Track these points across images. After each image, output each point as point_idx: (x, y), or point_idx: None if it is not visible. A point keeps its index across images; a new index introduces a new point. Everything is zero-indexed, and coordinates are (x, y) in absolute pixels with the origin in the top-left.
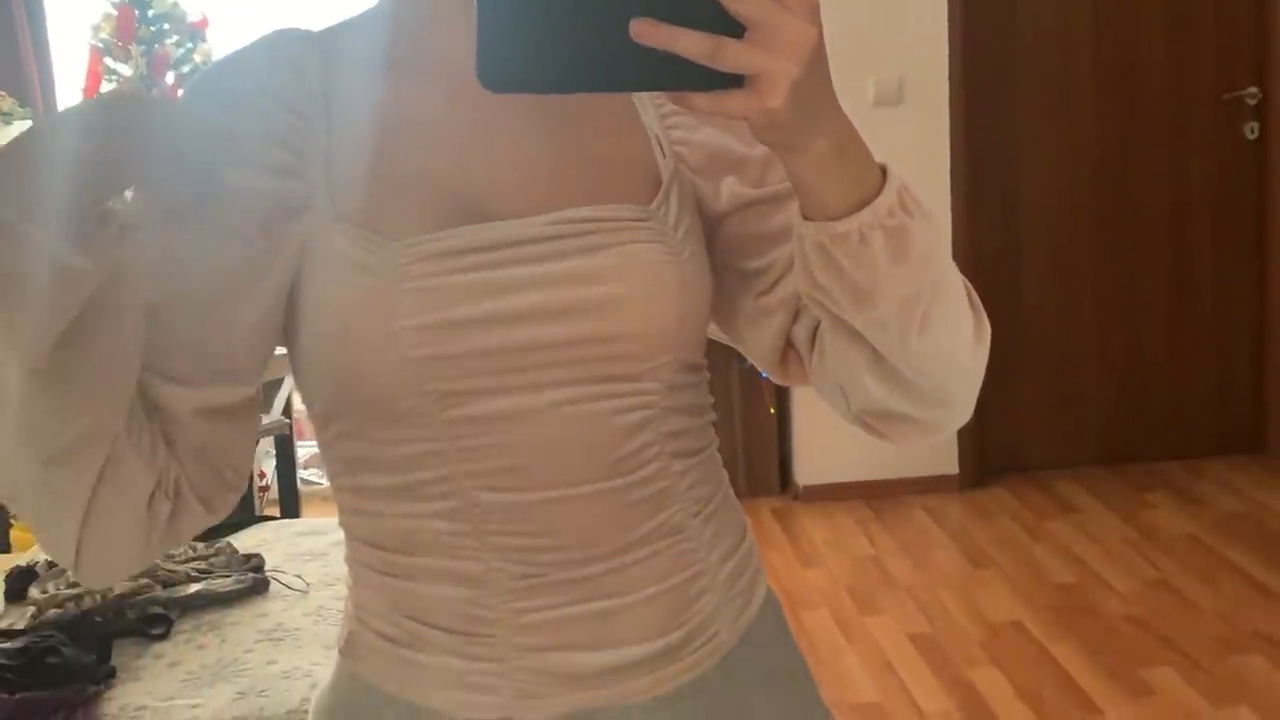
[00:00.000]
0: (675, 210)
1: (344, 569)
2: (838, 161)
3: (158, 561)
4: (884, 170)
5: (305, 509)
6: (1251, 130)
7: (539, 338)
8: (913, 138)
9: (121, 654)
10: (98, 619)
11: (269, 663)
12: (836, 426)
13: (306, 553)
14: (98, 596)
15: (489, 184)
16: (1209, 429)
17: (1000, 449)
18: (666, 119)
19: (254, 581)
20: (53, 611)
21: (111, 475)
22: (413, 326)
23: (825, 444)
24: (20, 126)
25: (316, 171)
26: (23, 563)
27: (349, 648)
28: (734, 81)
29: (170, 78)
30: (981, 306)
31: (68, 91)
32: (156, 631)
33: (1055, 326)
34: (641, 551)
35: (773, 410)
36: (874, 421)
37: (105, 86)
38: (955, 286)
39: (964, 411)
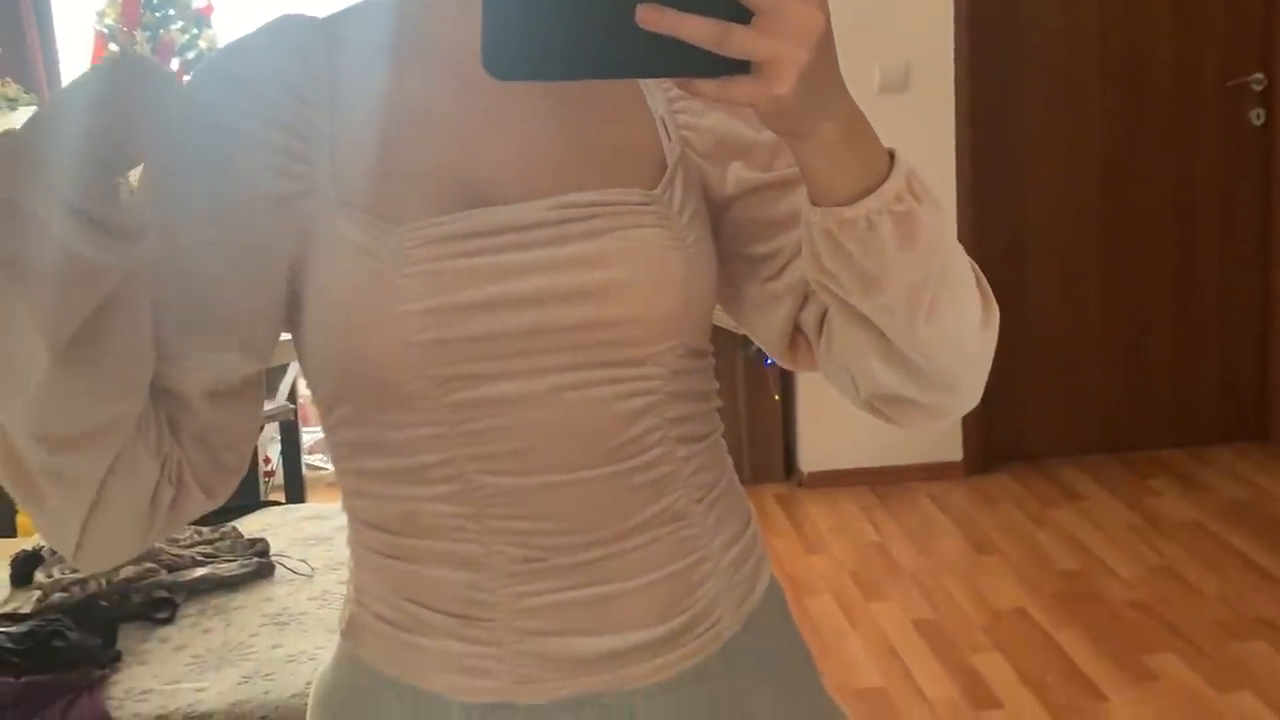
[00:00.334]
0: (680, 195)
1: (348, 553)
2: (845, 147)
3: (162, 545)
4: (892, 156)
5: (310, 494)
6: (1257, 116)
7: (542, 322)
8: (918, 124)
9: (127, 638)
10: (103, 603)
11: (274, 647)
12: (841, 413)
13: (311, 537)
14: (103, 581)
15: (493, 169)
16: (1213, 416)
17: (1005, 436)
18: (673, 103)
19: (259, 566)
20: (58, 595)
21: (121, 465)
22: (416, 311)
23: (830, 430)
24: (25, 113)
25: (321, 157)
26: (28, 547)
27: (350, 630)
28: (741, 68)
29: (175, 64)
30: (990, 292)
31: (72, 77)
32: (162, 615)
33: (1060, 313)
34: (643, 537)
35: (777, 396)
36: (882, 406)
37: None
38: (963, 272)
39: (972, 396)
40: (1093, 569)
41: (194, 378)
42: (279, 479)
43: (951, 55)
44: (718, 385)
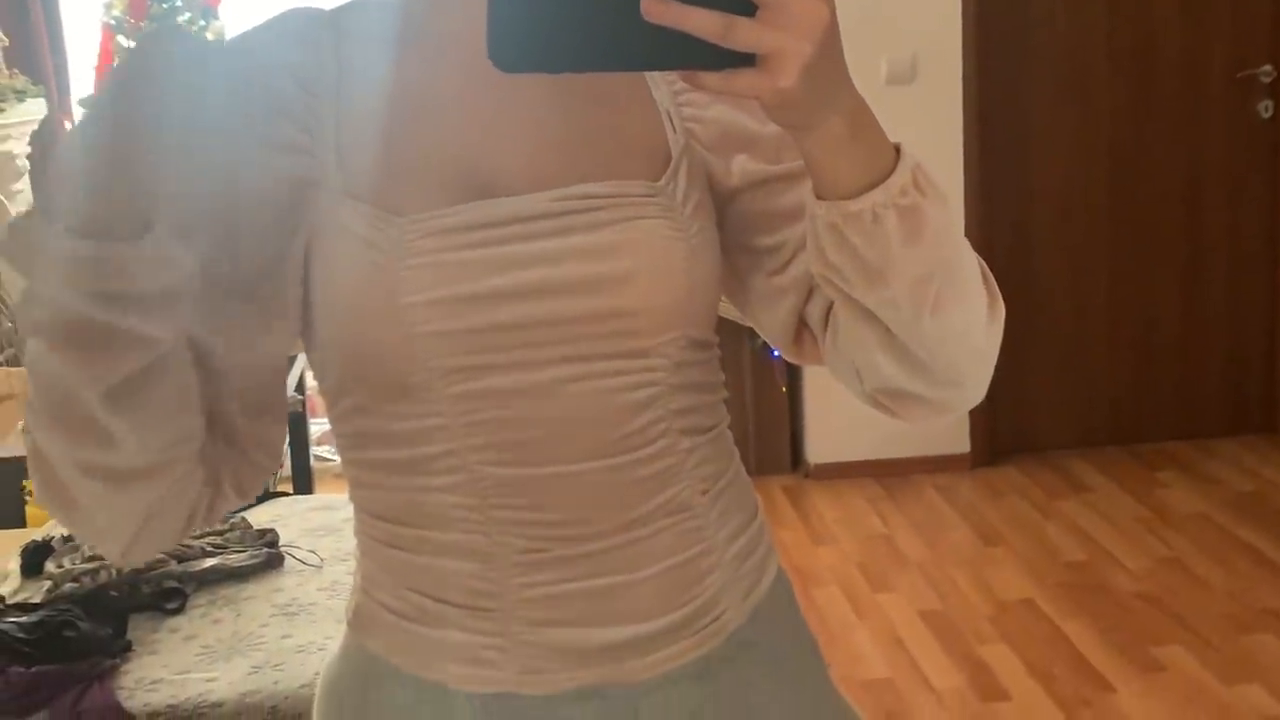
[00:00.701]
0: (684, 186)
1: (355, 544)
2: (851, 140)
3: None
4: (898, 149)
5: (318, 485)
6: (1265, 109)
7: (545, 313)
8: (925, 116)
9: (137, 628)
10: (113, 593)
11: (284, 637)
12: (848, 405)
13: (320, 528)
14: (113, 571)
15: (498, 160)
16: (1221, 408)
17: (1011, 428)
18: (678, 96)
19: (268, 556)
20: (68, 586)
21: (175, 487)
22: (419, 302)
23: (836, 422)
24: (33, 104)
25: (327, 149)
26: (38, 538)
27: (356, 620)
28: (746, 60)
29: None
30: (996, 287)
31: (80, 69)
32: (171, 606)
33: (1067, 305)
34: (647, 529)
35: (784, 388)
36: (887, 400)
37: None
38: (969, 267)
39: (977, 391)
40: (1100, 561)
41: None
42: (287, 470)
43: (959, 47)
44: (723, 377)
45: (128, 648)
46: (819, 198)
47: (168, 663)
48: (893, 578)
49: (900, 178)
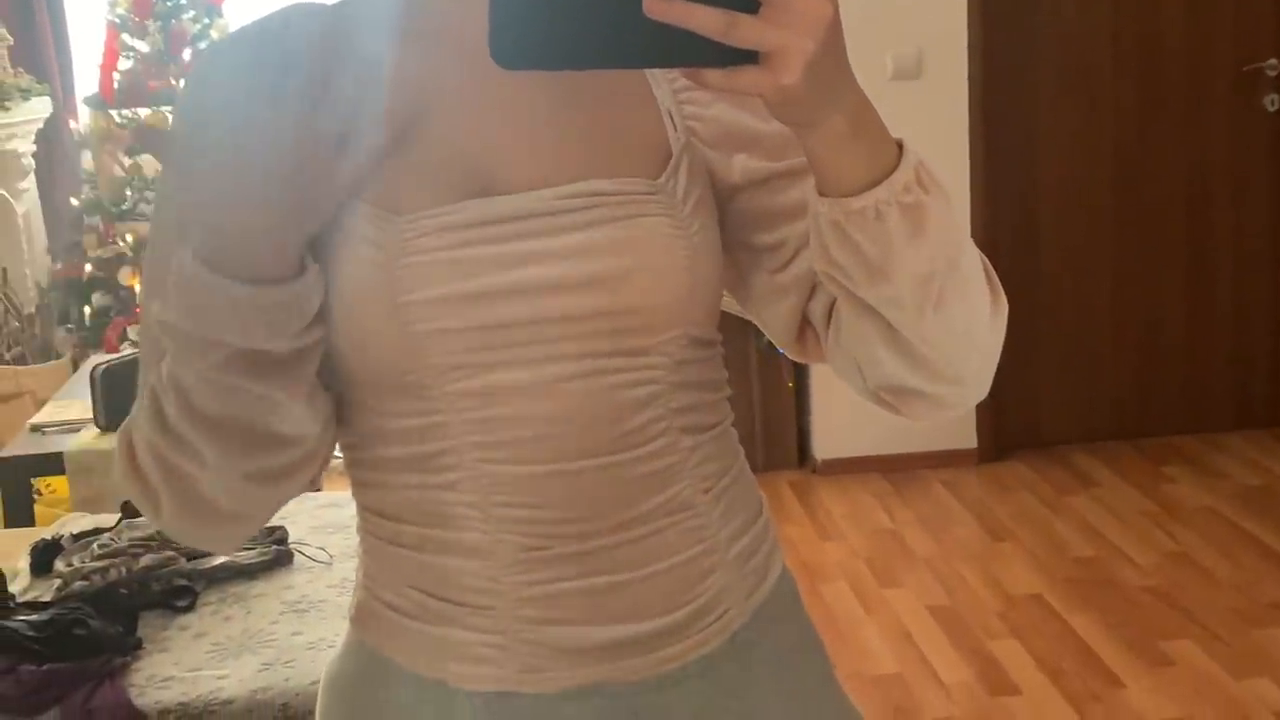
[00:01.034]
0: (684, 184)
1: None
2: (853, 138)
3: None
4: (900, 146)
5: (326, 482)
6: (1272, 102)
7: (544, 311)
8: (931, 112)
9: (147, 626)
10: (123, 591)
11: (294, 634)
12: (854, 401)
13: (329, 525)
14: (123, 569)
15: (499, 157)
16: (1227, 402)
17: (1018, 423)
18: (679, 94)
19: (278, 554)
20: (78, 584)
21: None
22: (417, 301)
23: (843, 418)
24: (38, 102)
25: (326, 146)
26: (48, 536)
27: (358, 617)
28: (748, 58)
29: (187, 54)
30: (999, 284)
31: (85, 68)
32: (181, 604)
33: (1073, 300)
34: (647, 527)
35: (791, 385)
36: (889, 397)
37: (122, 63)
38: (972, 264)
39: (980, 388)
40: (1108, 555)
41: None
42: None
43: (964, 43)
44: (727, 375)
45: (138, 645)
46: (822, 195)
47: (179, 660)
48: (901, 573)
49: (903, 174)
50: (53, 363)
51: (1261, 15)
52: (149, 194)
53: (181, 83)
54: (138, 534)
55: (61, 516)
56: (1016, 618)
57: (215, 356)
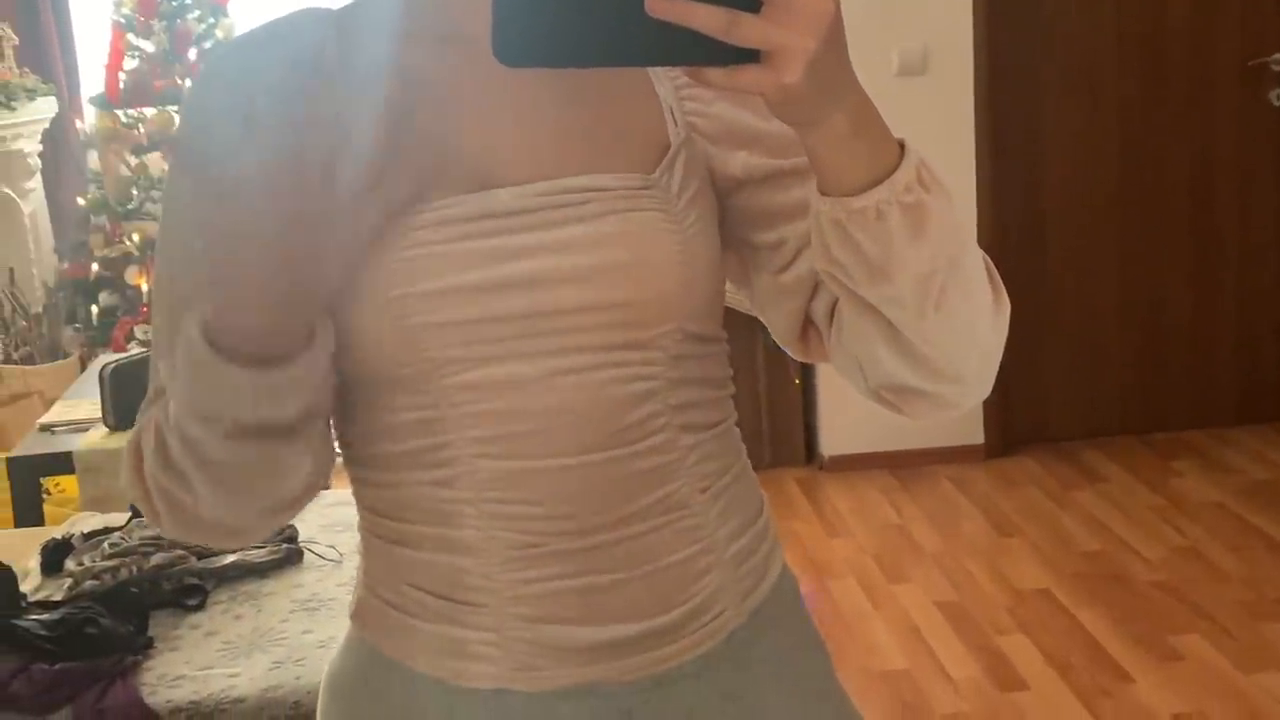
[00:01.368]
0: (680, 178)
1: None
2: (855, 137)
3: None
4: (902, 145)
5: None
6: (1276, 97)
7: (537, 305)
8: (937, 107)
9: (158, 625)
10: (134, 590)
11: (304, 632)
12: (861, 398)
13: (339, 523)
14: (133, 568)
15: (495, 151)
16: (1234, 397)
17: (1025, 419)
18: (680, 90)
19: (288, 552)
20: (89, 583)
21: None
22: (411, 294)
23: (850, 414)
24: (43, 102)
25: (323, 144)
26: (58, 535)
27: (358, 614)
28: (750, 56)
29: (193, 54)
30: (1001, 284)
31: (90, 68)
32: (192, 602)
33: (1079, 295)
34: (642, 526)
35: (798, 381)
36: (890, 396)
37: (128, 63)
38: (974, 263)
39: (981, 387)
40: (1116, 550)
41: None
42: None
43: (970, 38)
44: (731, 372)
45: (149, 644)
46: (823, 194)
47: (190, 659)
48: (908, 569)
49: (905, 174)
50: (60, 362)
51: (1267, 10)
52: (155, 193)
53: (187, 83)
54: (148, 533)
55: (71, 516)
56: (1025, 613)
57: (219, 426)
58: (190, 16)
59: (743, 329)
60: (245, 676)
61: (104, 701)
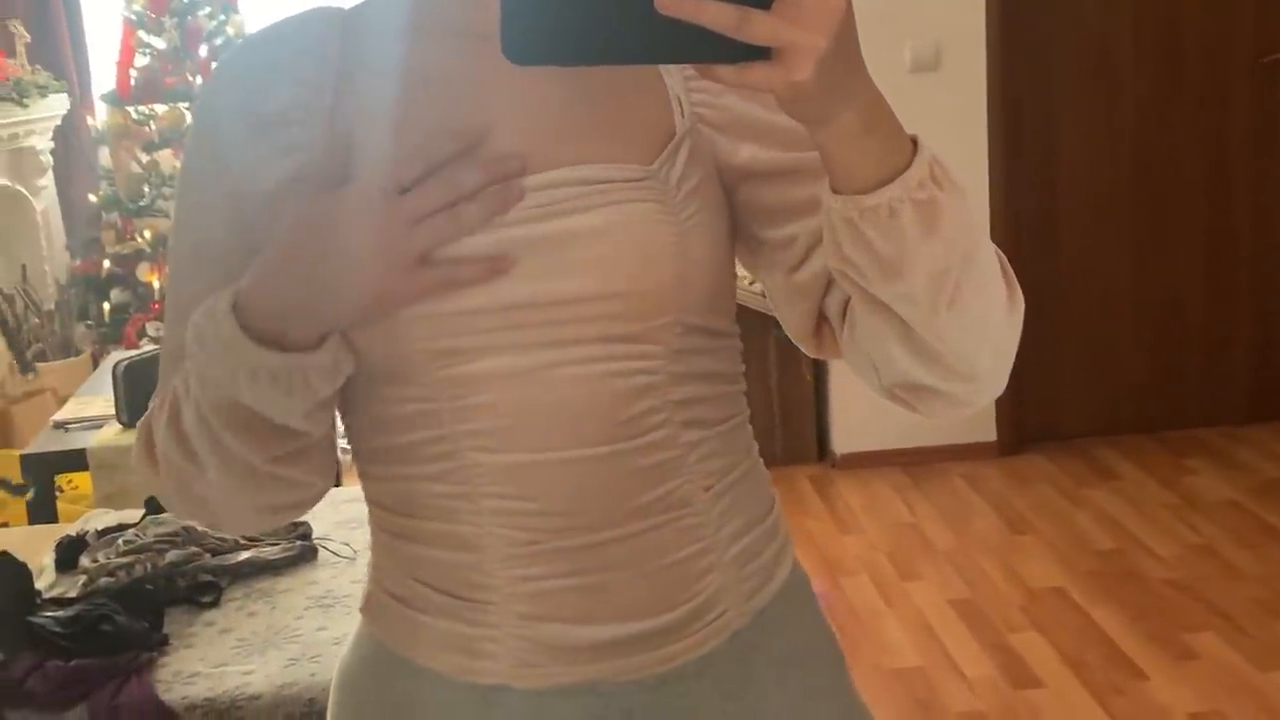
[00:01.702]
0: (681, 169)
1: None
2: (866, 134)
3: (206, 530)
4: (915, 142)
5: (348, 478)
6: None
7: (529, 296)
8: (950, 104)
9: (173, 622)
10: (148, 587)
11: (319, 629)
12: (873, 395)
13: (352, 520)
14: (148, 565)
15: (495, 144)
16: (1248, 395)
17: (1038, 416)
18: (689, 80)
19: (302, 549)
20: (104, 580)
21: None
22: None
23: (862, 412)
24: (55, 99)
25: (317, 140)
26: (72, 532)
27: (367, 608)
28: (760, 53)
29: (203, 50)
30: (1016, 281)
31: (101, 64)
32: (207, 599)
33: (1093, 293)
34: (642, 523)
35: (810, 378)
36: (904, 394)
37: (139, 60)
38: (987, 260)
39: (995, 386)
40: (1130, 548)
41: None
42: None
43: (983, 34)
44: (742, 368)
45: (164, 641)
46: (835, 191)
47: (204, 656)
48: (921, 566)
49: (917, 171)
50: (73, 359)
51: None
52: (166, 190)
53: (198, 80)
54: (163, 530)
55: (85, 513)
56: (1038, 611)
57: (235, 415)
58: (201, 13)
59: (755, 324)
60: (260, 673)
61: (119, 698)
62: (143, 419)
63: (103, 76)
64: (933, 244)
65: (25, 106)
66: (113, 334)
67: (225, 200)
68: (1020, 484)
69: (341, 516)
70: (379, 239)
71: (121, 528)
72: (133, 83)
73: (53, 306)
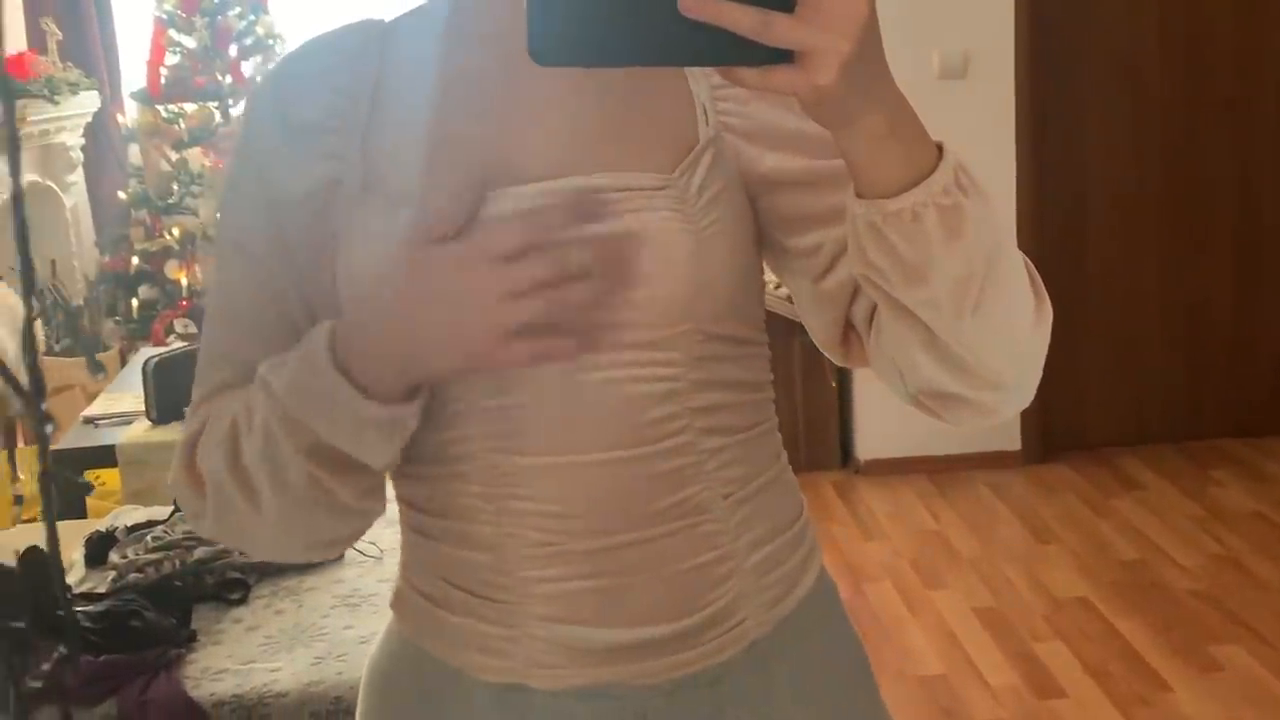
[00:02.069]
0: (702, 177)
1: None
2: (890, 138)
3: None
4: (940, 148)
5: None
6: None
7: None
8: (977, 111)
9: (201, 618)
10: (177, 583)
11: (346, 628)
12: (898, 401)
13: (379, 519)
14: (177, 562)
15: (520, 150)
16: (1275, 406)
17: (1063, 425)
18: (716, 90)
19: None
20: (133, 576)
21: None
22: None
23: (886, 418)
24: (86, 96)
25: (353, 147)
26: (102, 528)
27: (395, 604)
28: (783, 57)
29: (233, 50)
30: (1044, 289)
31: (132, 63)
32: (235, 596)
33: (1120, 301)
34: (659, 528)
35: (834, 384)
36: (930, 402)
37: (169, 59)
38: (1013, 268)
39: (1023, 395)
40: (1154, 559)
41: None
42: None
43: (1011, 41)
44: (770, 377)
45: (193, 638)
46: (859, 196)
47: (232, 653)
48: (945, 574)
49: (942, 176)
50: (101, 355)
51: None
52: (195, 188)
53: (227, 79)
54: (190, 527)
55: (114, 509)
56: (1062, 620)
57: (304, 440)
58: (231, 13)
59: (779, 330)
60: (287, 671)
61: (148, 694)
62: (184, 439)
63: (133, 75)
64: (956, 249)
65: (56, 103)
66: (141, 330)
67: (263, 202)
68: (1045, 493)
69: None
70: (483, 305)
71: (150, 524)
72: (163, 81)
73: (81, 302)
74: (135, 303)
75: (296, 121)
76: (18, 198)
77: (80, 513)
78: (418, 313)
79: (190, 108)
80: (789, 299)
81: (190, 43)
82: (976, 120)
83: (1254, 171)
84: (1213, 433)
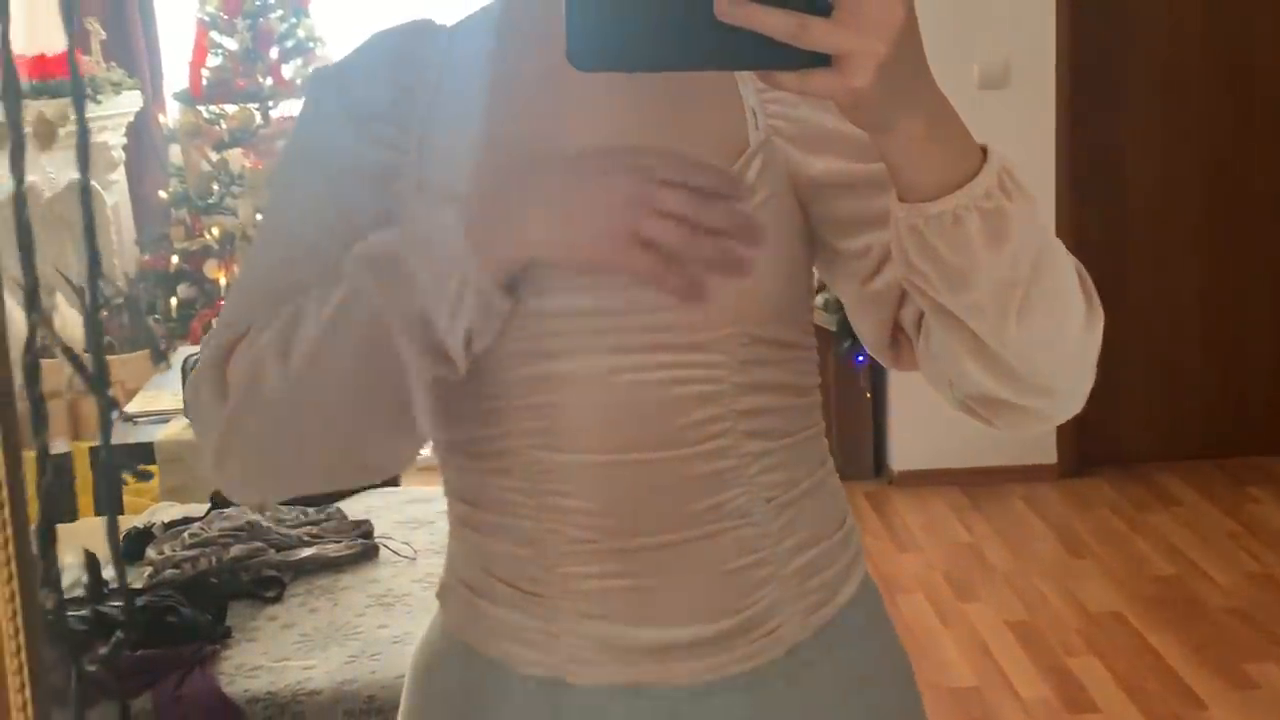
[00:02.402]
0: (751, 181)
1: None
2: (930, 141)
3: (270, 525)
4: (985, 151)
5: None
6: None
7: (597, 304)
8: (1018, 121)
9: (236, 615)
10: (213, 580)
11: (380, 627)
12: (933, 412)
13: (412, 520)
14: (212, 559)
15: (568, 151)
16: None
17: (1099, 439)
18: (764, 93)
19: (364, 547)
20: (170, 572)
21: None
22: None
23: (920, 429)
24: (128, 96)
25: (411, 144)
26: (139, 524)
27: (442, 596)
28: (821, 60)
29: (274, 52)
30: (1095, 294)
31: (174, 64)
32: (270, 594)
33: (1158, 316)
34: (697, 530)
35: (869, 394)
36: (977, 407)
37: (211, 60)
38: (1061, 272)
39: (1073, 400)
40: (1190, 575)
41: None
42: None
43: (1052, 51)
44: (816, 381)
45: (228, 634)
46: (901, 200)
47: (267, 650)
48: (979, 587)
49: (985, 179)
50: (140, 352)
51: None
52: (235, 189)
53: (268, 81)
54: (228, 524)
55: (151, 505)
56: (1096, 635)
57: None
58: (273, 15)
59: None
60: (321, 669)
61: (184, 688)
62: (210, 354)
63: (175, 75)
64: (1000, 253)
65: (99, 103)
66: (179, 329)
67: (320, 169)
68: (1080, 507)
69: (403, 516)
70: (628, 201)
71: (187, 521)
72: (204, 83)
73: (121, 300)
74: (174, 301)
75: (358, 108)
76: (85, 189)
77: (118, 509)
78: (570, 182)
79: (231, 109)
80: (824, 307)
81: (232, 44)
82: (1017, 131)
83: None
84: (1250, 449)
